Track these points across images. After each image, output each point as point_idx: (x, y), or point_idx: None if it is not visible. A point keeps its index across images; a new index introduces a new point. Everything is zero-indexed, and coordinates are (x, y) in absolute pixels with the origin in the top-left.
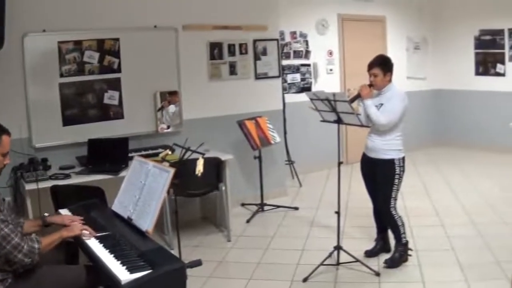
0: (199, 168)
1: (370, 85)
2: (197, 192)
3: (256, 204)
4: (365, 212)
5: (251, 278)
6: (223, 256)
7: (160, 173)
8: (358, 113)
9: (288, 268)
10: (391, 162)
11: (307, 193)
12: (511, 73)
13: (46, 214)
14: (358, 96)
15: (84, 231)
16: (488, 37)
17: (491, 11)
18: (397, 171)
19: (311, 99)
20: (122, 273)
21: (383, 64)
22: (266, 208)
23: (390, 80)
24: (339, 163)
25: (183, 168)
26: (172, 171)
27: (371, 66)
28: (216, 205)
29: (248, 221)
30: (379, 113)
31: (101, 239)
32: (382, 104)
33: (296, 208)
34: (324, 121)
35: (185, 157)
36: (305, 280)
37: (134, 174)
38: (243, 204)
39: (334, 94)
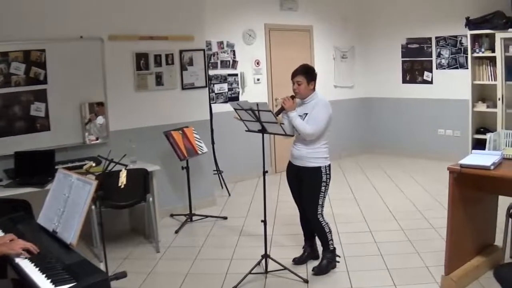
0: (122, 179)
1: (293, 97)
2: (124, 203)
3: (184, 215)
4: (293, 220)
5: None
6: (152, 267)
7: (83, 186)
8: (281, 123)
9: (217, 278)
10: (317, 170)
11: (236, 202)
12: (438, 81)
13: None
14: (282, 109)
15: (24, 252)
16: (415, 45)
17: (418, 19)
18: (324, 178)
19: (236, 109)
20: (47, 287)
21: (306, 73)
22: (194, 218)
23: (313, 89)
24: (264, 172)
25: (108, 180)
26: (94, 183)
27: (295, 74)
28: (145, 216)
29: (176, 232)
30: (305, 123)
31: (27, 253)
32: (306, 114)
33: (225, 218)
34: (248, 130)
35: (109, 169)
36: None
37: (58, 187)
38: (172, 215)
39: (257, 104)
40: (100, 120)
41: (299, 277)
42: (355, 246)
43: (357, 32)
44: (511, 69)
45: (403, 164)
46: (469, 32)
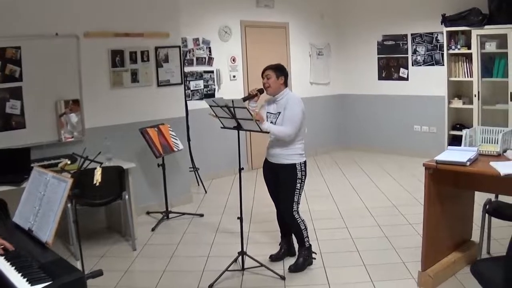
0: (97, 177)
1: (261, 90)
2: (99, 201)
3: (161, 212)
4: (269, 216)
5: (156, 286)
6: (129, 265)
7: (59, 184)
8: (257, 120)
9: (194, 275)
10: (292, 166)
11: (212, 199)
12: (414, 77)
13: None
14: (252, 97)
15: None
16: (391, 42)
17: (394, 16)
18: (299, 175)
19: (211, 106)
20: (23, 285)
21: (275, 68)
22: (171, 215)
23: (284, 85)
24: (240, 169)
25: (83, 177)
26: (70, 181)
27: (265, 70)
28: (121, 214)
29: (153, 229)
30: (282, 127)
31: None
32: (280, 113)
33: (201, 215)
34: (224, 127)
35: (85, 166)
36: (210, 286)
37: (33, 185)
38: (148, 212)
39: (233, 101)
40: (73, 117)
41: (276, 274)
42: (332, 242)
43: (333, 29)
44: (487, 66)
45: (379, 161)
46: (445, 29)
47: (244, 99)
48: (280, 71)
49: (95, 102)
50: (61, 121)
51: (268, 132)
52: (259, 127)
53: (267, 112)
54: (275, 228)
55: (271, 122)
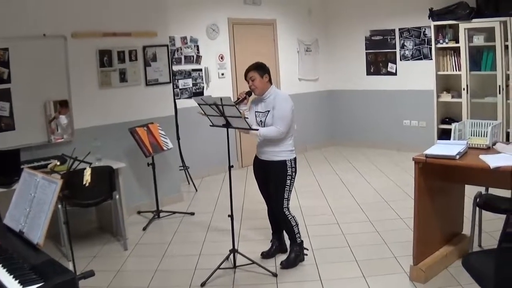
0: (87, 178)
1: (249, 93)
2: (90, 202)
3: (152, 211)
4: (260, 214)
5: (148, 286)
6: (120, 265)
7: (49, 185)
8: (246, 117)
9: (186, 274)
10: (282, 163)
11: (203, 197)
12: (402, 72)
13: None
14: (241, 101)
15: None
16: (379, 37)
17: (382, 11)
18: (289, 172)
19: (199, 104)
20: (14, 287)
21: (257, 67)
22: (162, 214)
23: (269, 82)
24: (230, 167)
25: (73, 178)
26: (59, 182)
27: (246, 72)
28: (112, 214)
29: (144, 229)
30: (272, 127)
31: None
32: (268, 111)
33: (192, 214)
34: (213, 125)
35: (74, 167)
36: (203, 284)
37: (24, 187)
38: (139, 212)
39: (221, 99)
40: (63, 120)
41: (268, 271)
42: (323, 238)
43: (321, 25)
44: (475, 59)
45: (369, 156)
46: (432, 23)
47: (237, 103)
48: (262, 70)
49: (83, 102)
50: (51, 126)
51: (257, 129)
52: (248, 124)
53: (256, 111)
54: (266, 225)
55: (260, 121)
